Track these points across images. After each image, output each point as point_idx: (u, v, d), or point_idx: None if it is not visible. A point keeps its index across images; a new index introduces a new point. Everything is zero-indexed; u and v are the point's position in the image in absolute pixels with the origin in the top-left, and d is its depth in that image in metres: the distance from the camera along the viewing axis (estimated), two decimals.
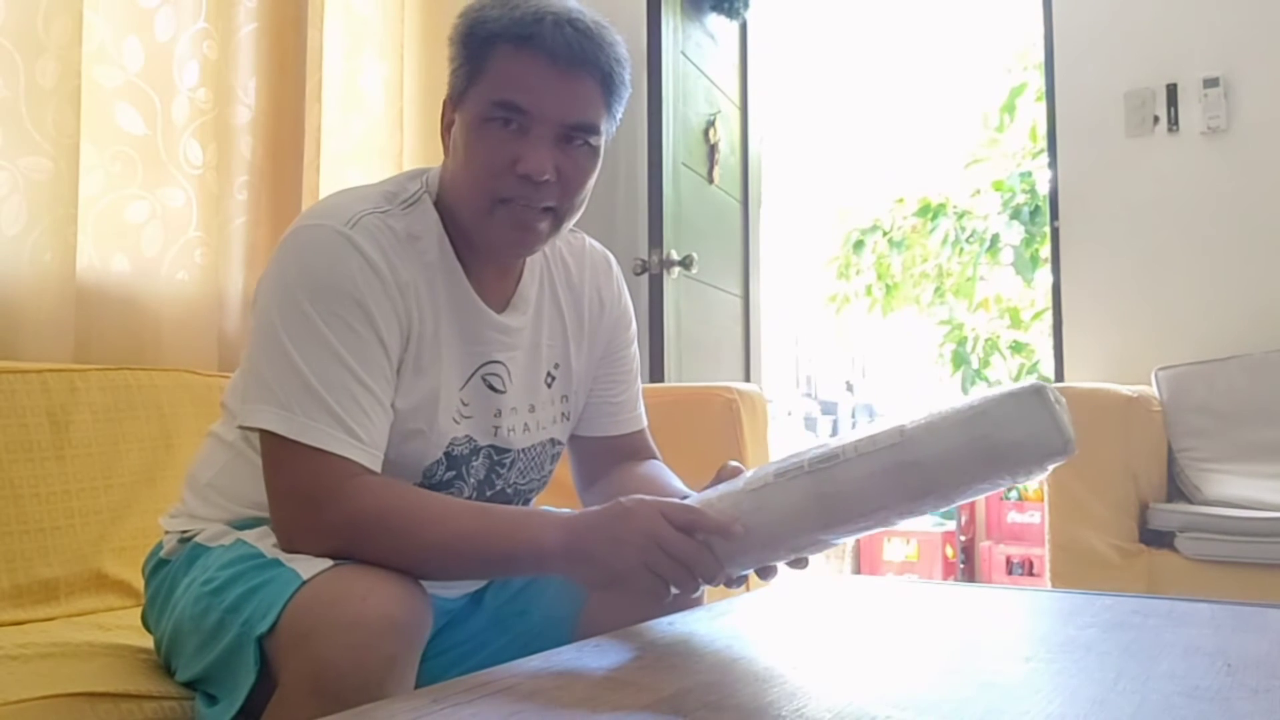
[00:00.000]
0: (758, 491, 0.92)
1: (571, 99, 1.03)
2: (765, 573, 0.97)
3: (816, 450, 0.91)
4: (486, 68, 1.02)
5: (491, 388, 1.12)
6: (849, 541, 1.05)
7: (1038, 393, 0.83)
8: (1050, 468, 0.85)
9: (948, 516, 4.92)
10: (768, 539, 0.91)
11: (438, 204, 1.10)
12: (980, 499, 4.96)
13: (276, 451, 0.97)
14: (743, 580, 0.98)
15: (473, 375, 1.11)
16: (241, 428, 1.01)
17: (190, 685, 1.02)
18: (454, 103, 1.07)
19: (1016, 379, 6.12)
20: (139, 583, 1.22)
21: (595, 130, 1.05)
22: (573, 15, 1.02)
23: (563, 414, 1.22)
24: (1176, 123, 2.81)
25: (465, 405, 1.10)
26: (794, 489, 0.89)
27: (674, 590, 0.93)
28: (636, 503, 0.94)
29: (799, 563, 0.96)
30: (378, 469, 0.99)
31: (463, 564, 0.99)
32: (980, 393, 0.88)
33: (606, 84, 1.05)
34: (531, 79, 1.01)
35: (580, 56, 1.02)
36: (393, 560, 0.93)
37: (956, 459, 0.83)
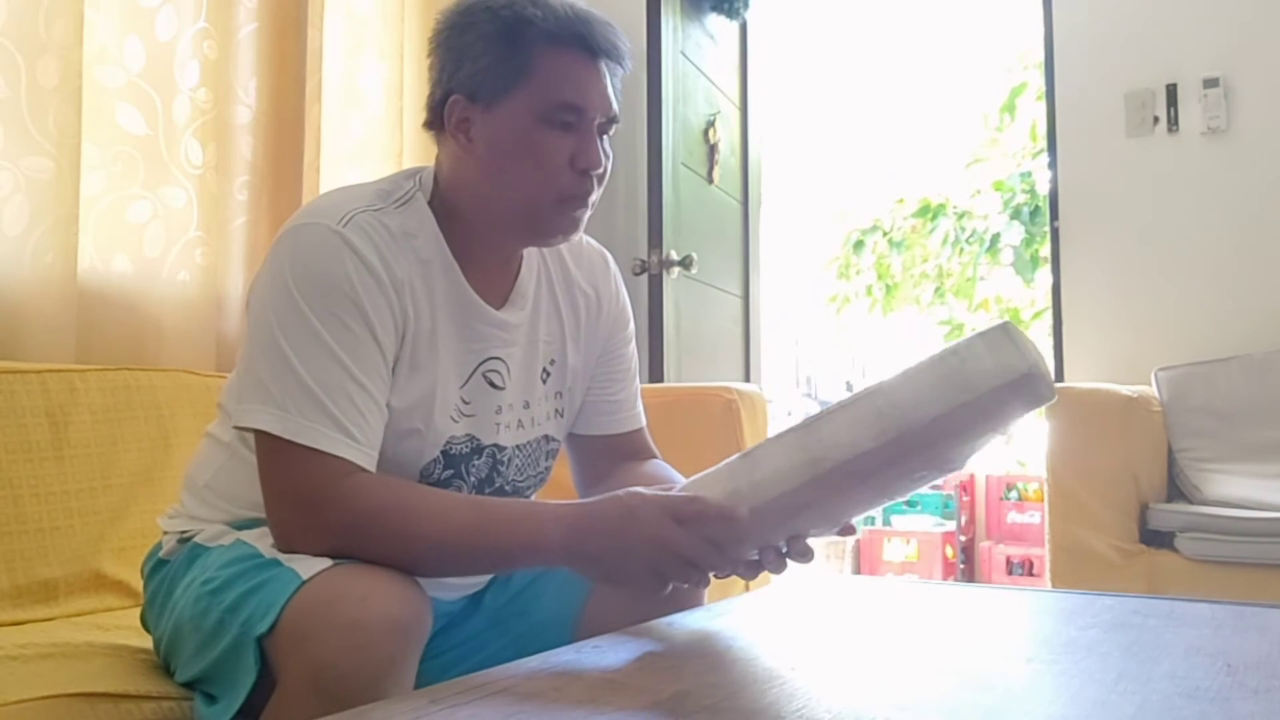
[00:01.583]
0: (750, 453, 0.95)
1: (608, 94, 1.08)
2: (775, 565, 0.97)
3: None
4: (533, 68, 1.04)
5: (492, 384, 1.12)
6: (847, 521, 1.06)
7: (1003, 328, 0.87)
8: (1023, 407, 0.88)
9: (947, 516, 4.92)
10: (766, 508, 0.91)
11: (434, 201, 1.10)
12: (980, 500, 4.98)
13: (272, 452, 0.97)
14: (756, 569, 0.97)
15: (474, 373, 1.11)
16: (237, 428, 1.01)
17: (190, 685, 1.02)
18: (482, 101, 1.05)
19: None
20: (138, 583, 1.22)
21: (618, 120, 1.10)
22: (594, 11, 1.07)
23: (556, 410, 1.21)
24: (1176, 123, 2.81)
25: (466, 404, 1.10)
26: (781, 444, 0.92)
27: (682, 585, 0.94)
28: (640, 501, 0.94)
29: (804, 555, 0.96)
30: (373, 468, 0.99)
31: (461, 560, 0.99)
32: None
33: (620, 76, 1.11)
34: (583, 79, 1.06)
35: (614, 52, 1.08)
36: (391, 558, 0.93)
37: (927, 391, 0.87)
